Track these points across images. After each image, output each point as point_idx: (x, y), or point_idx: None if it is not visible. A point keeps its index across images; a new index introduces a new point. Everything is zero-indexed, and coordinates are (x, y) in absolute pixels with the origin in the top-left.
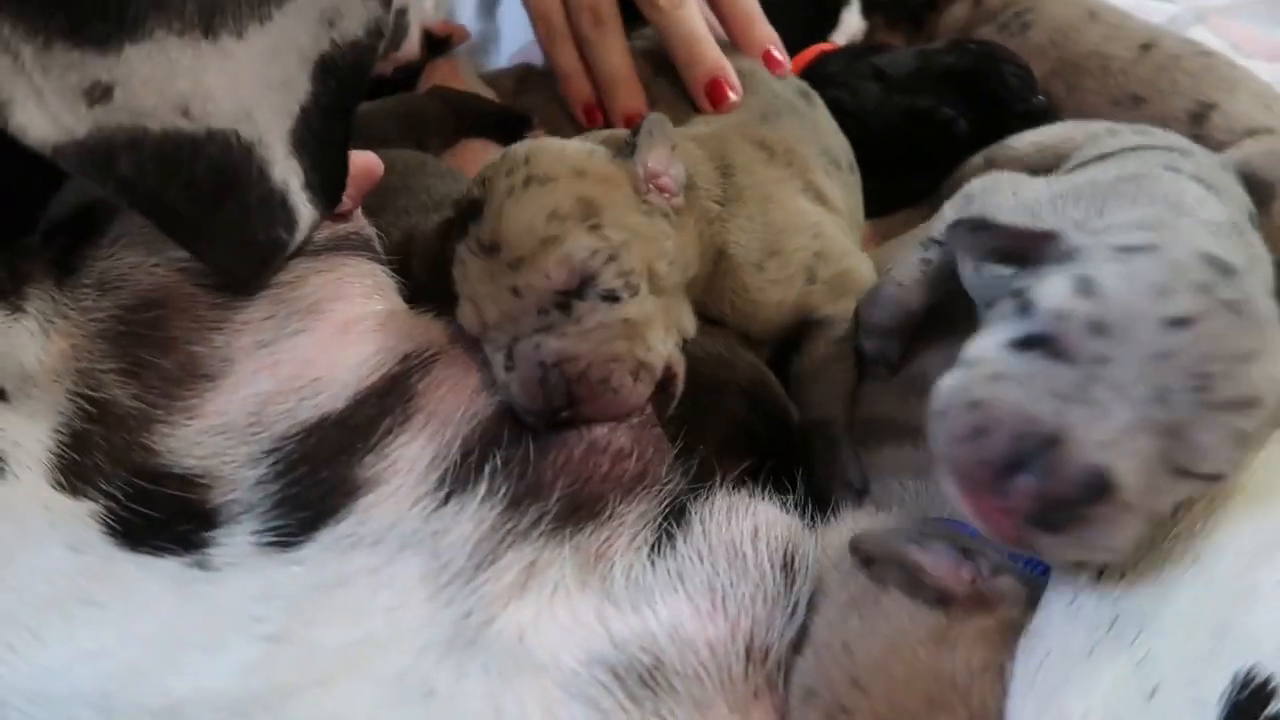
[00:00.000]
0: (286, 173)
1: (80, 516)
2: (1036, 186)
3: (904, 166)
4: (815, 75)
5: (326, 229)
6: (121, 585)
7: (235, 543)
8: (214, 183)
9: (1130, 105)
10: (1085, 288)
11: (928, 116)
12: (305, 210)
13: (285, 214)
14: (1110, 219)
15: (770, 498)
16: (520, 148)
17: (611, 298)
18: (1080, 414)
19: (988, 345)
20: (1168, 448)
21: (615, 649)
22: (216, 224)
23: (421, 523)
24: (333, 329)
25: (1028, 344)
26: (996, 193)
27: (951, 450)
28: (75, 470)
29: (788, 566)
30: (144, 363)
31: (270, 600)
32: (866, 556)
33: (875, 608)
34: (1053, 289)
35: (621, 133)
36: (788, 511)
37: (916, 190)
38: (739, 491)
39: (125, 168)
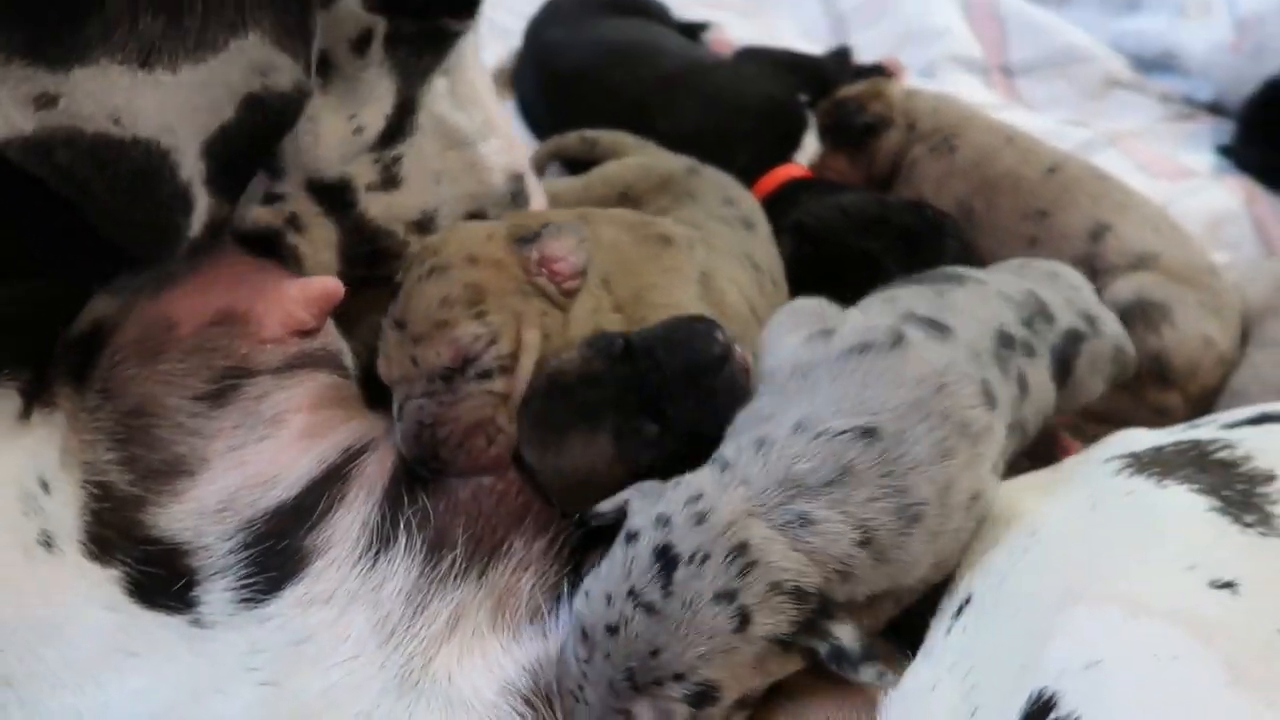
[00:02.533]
0: (192, 171)
1: (108, 581)
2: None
3: (835, 294)
4: (786, 199)
5: (295, 346)
6: (149, 638)
7: (216, 598)
8: (133, 179)
9: (1037, 219)
10: (583, 593)
11: (875, 261)
12: (202, 200)
13: (185, 204)
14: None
15: None
16: (437, 236)
17: (486, 375)
18: (573, 705)
19: None
20: None
21: (524, 673)
22: (132, 212)
23: (361, 580)
24: (291, 436)
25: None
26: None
27: None
28: (100, 542)
29: None
30: (137, 457)
31: (258, 654)
32: None
33: None
34: (582, 587)
35: (541, 218)
36: None
37: None
38: None
39: (61, 158)
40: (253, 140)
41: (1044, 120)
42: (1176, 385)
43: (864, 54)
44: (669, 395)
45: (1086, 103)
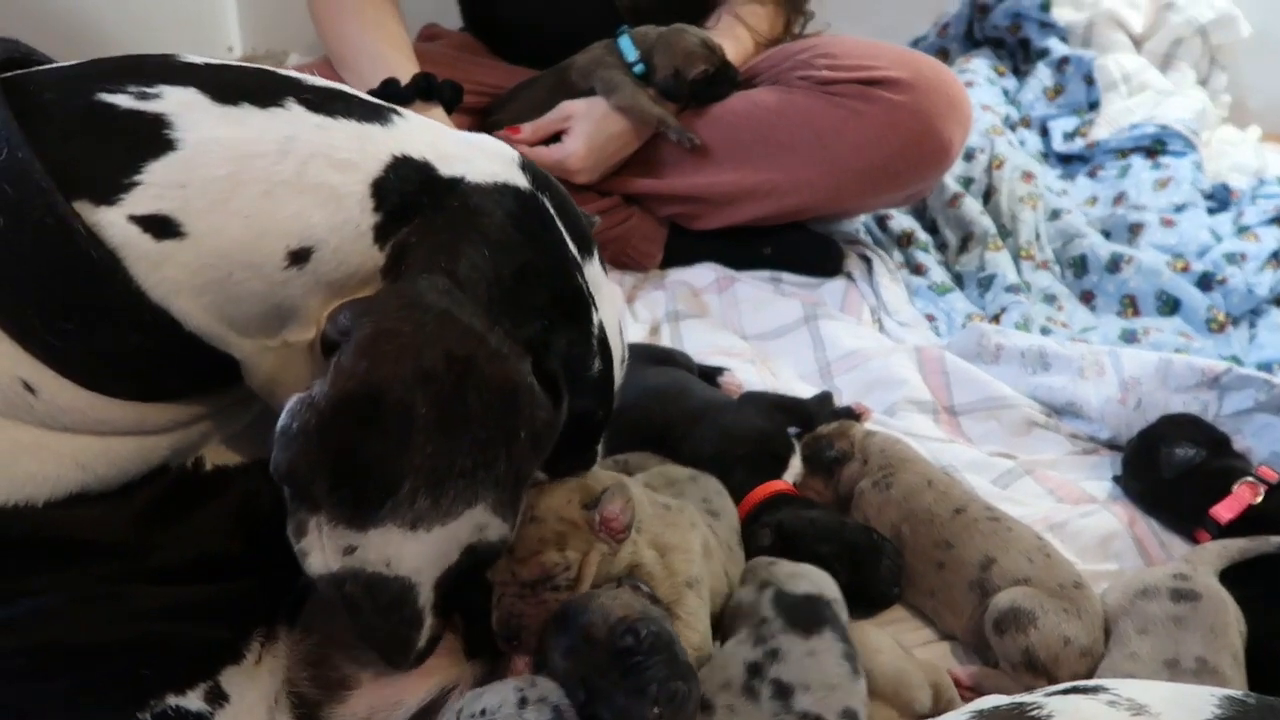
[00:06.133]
0: (426, 600)
1: None
2: None
3: None
4: (770, 507)
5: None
6: None
7: None
8: (390, 602)
9: (944, 548)
10: None
11: (828, 565)
12: (429, 620)
13: (419, 623)
14: None
15: None
16: (535, 494)
17: (557, 589)
18: None
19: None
20: None
21: None
22: (383, 624)
23: None
24: (417, 674)
25: None
26: None
27: None
28: None
29: None
30: (318, 676)
31: None
32: None
33: None
34: None
35: (601, 484)
36: None
37: None
38: None
39: (349, 587)
40: (466, 577)
41: (978, 451)
42: (1043, 673)
43: (843, 394)
44: None
45: (1012, 438)
